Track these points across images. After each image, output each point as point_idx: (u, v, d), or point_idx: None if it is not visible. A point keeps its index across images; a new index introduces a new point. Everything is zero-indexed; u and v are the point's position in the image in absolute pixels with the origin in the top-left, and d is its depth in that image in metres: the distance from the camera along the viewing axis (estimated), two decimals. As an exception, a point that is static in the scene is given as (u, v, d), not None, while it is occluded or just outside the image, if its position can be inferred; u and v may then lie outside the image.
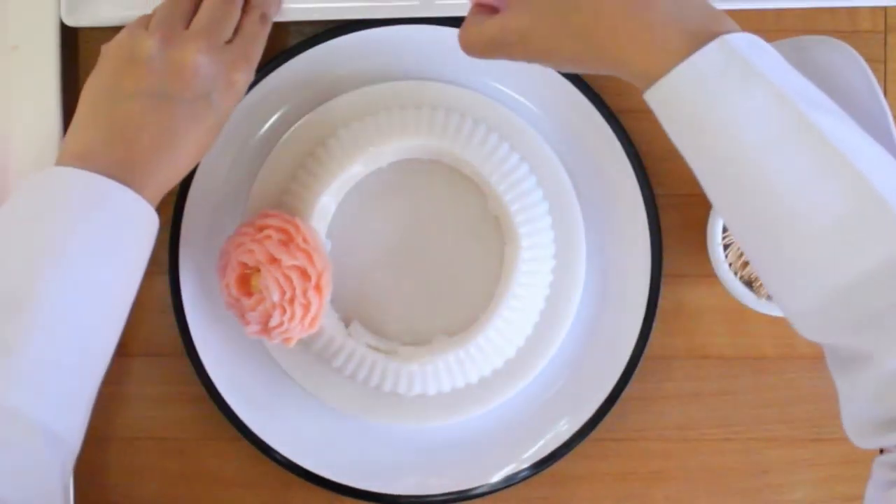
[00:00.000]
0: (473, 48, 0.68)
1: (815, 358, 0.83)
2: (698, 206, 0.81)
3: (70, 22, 0.78)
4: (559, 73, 0.80)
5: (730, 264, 0.78)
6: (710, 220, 0.77)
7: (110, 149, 0.69)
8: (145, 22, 0.73)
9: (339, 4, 0.79)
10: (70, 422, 0.67)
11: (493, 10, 0.67)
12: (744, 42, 0.60)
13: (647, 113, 0.82)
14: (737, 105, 0.59)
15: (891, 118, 0.62)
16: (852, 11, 0.82)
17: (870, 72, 0.63)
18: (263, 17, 0.76)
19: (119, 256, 0.68)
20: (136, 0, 0.78)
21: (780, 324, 0.82)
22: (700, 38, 0.60)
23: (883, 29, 0.82)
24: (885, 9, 0.82)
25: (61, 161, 0.69)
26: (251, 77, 0.74)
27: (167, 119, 0.70)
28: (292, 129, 0.80)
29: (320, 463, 0.82)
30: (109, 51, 0.73)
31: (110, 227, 0.68)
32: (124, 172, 0.68)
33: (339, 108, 0.80)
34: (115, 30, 0.78)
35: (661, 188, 0.82)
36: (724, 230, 0.78)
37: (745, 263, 0.79)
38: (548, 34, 0.63)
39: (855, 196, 0.57)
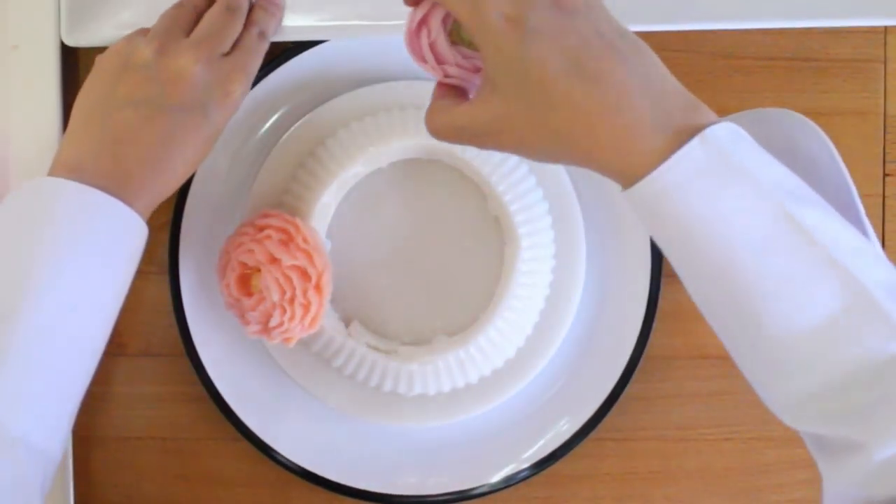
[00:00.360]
0: (440, 134, 0.65)
1: (815, 358, 0.83)
2: (698, 206, 0.81)
3: (70, 42, 0.77)
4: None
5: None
6: (710, 220, 0.77)
7: (102, 159, 0.68)
8: (144, 32, 0.73)
9: (339, 23, 0.78)
10: (51, 434, 0.66)
11: (460, 91, 0.66)
12: (724, 135, 0.58)
13: (647, 113, 0.82)
14: (722, 205, 0.57)
15: (855, 191, 0.63)
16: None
17: (831, 144, 0.63)
18: (262, 34, 0.74)
19: (107, 269, 0.67)
20: (136, 20, 0.78)
21: (780, 324, 0.82)
22: (681, 133, 0.58)
23: (883, 29, 0.82)
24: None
25: (53, 171, 0.68)
26: (247, 90, 0.73)
27: (161, 129, 0.69)
28: (292, 129, 0.80)
29: (320, 463, 0.82)
30: (105, 59, 0.72)
31: (98, 241, 0.67)
32: (116, 183, 0.67)
33: (338, 108, 0.80)
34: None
35: (661, 188, 0.82)
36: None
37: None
38: (521, 130, 0.61)
39: (845, 295, 0.57)
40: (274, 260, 0.74)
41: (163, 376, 0.83)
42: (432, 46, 0.65)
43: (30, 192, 0.67)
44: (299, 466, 0.81)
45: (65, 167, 0.68)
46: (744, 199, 0.57)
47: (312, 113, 0.80)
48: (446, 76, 0.65)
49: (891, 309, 0.57)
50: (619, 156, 0.59)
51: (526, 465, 0.81)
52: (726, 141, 0.58)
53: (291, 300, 0.74)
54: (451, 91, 0.65)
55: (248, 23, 0.74)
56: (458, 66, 0.65)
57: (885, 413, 0.56)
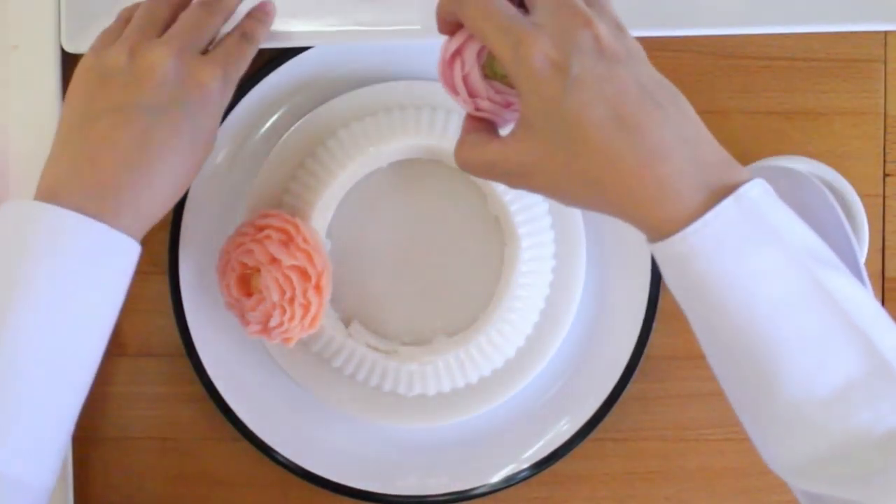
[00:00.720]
0: (471, 169, 0.64)
1: (815, 358, 0.83)
2: (698, 206, 0.81)
3: (71, 48, 0.77)
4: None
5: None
6: (710, 220, 0.77)
7: (82, 175, 0.65)
8: (111, 37, 0.70)
9: (339, 28, 0.78)
10: (36, 465, 0.63)
11: (490, 125, 0.65)
12: (758, 194, 0.58)
13: (647, 113, 0.82)
14: (751, 266, 0.58)
15: (858, 252, 0.63)
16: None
17: (837, 205, 0.63)
18: (245, 36, 0.71)
19: (92, 291, 0.64)
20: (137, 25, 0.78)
21: (780, 324, 0.82)
22: (715, 191, 0.58)
23: (882, 30, 0.82)
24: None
25: (36, 194, 0.65)
26: (226, 87, 0.69)
27: (137, 130, 0.65)
28: (292, 129, 0.80)
29: (320, 463, 0.82)
30: (79, 74, 0.69)
31: (77, 266, 0.63)
32: (96, 201, 0.64)
33: (338, 108, 0.80)
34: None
35: (661, 188, 0.82)
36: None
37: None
38: (555, 174, 0.60)
39: (865, 361, 0.57)
40: (274, 260, 0.74)
41: (163, 376, 0.83)
42: (465, 79, 0.64)
43: (5, 218, 0.65)
44: (299, 466, 0.81)
45: (45, 189, 0.65)
46: (773, 261, 0.58)
47: (312, 113, 0.80)
48: (477, 109, 0.64)
49: None
50: (653, 210, 0.58)
51: (526, 465, 0.81)
52: (760, 201, 0.58)
53: (291, 300, 0.74)
54: (481, 124, 0.64)
55: (235, 27, 0.72)
56: (490, 100, 0.64)
57: (892, 479, 0.57)
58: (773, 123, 0.82)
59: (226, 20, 0.72)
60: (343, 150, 0.78)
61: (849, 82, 0.82)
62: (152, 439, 0.83)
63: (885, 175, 0.83)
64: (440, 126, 0.78)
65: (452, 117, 0.79)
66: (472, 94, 0.64)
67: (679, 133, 0.59)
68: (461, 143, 0.64)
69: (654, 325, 0.81)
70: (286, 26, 0.79)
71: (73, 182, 0.65)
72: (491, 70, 0.64)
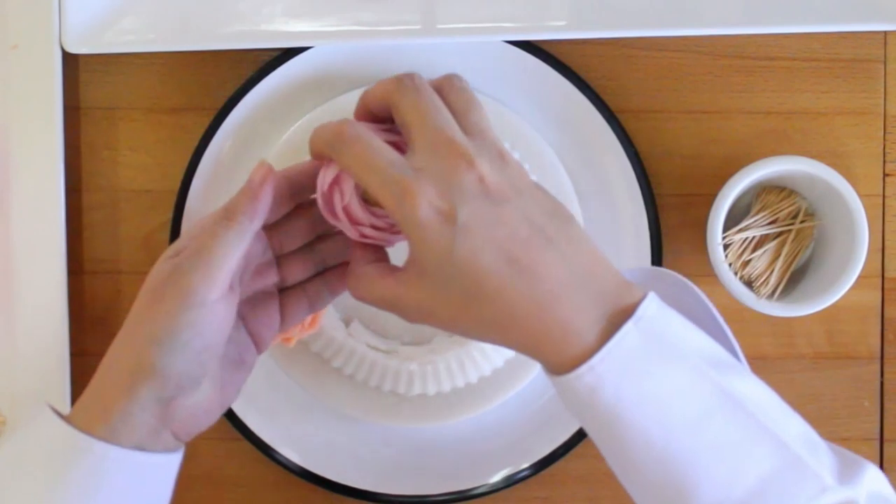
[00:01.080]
0: (368, 303, 0.62)
1: (815, 358, 0.83)
2: (698, 206, 0.81)
3: (72, 49, 0.78)
4: (557, 71, 0.80)
5: (730, 264, 0.78)
6: (710, 220, 0.77)
7: (91, 384, 0.62)
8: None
9: (339, 28, 0.79)
10: None
11: (380, 251, 0.63)
12: (654, 312, 0.58)
13: (648, 113, 0.82)
14: (658, 388, 0.58)
15: (734, 341, 0.64)
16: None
17: (705, 298, 0.64)
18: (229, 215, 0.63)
19: None
20: (137, 27, 0.78)
21: (780, 324, 0.82)
22: (613, 317, 0.58)
23: (882, 30, 0.82)
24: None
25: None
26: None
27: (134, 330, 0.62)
28: (292, 128, 0.80)
29: (320, 463, 0.82)
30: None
31: (84, 490, 0.59)
32: (87, 408, 0.61)
33: (338, 108, 0.80)
34: (116, 56, 0.80)
35: (661, 188, 0.82)
36: (724, 230, 0.78)
37: (745, 263, 0.79)
38: (452, 315, 0.59)
39: (775, 457, 0.58)
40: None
41: (163, 376, 0.82)
42: (346, 209, 0.62)
43: (26, 430, 0.62)
44: (299, 466, 0.81)
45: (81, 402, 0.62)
46: (679, 379, 0.58)
47: (312, 113, 0.80)
48: (362, 237, 0.63)
49: (815, 464, 0.59)
50: (555, 348, 0.58)
51: (526, 465, 0.81)
52: (656, 318, 0.58)
53: (291, 300, 0.74)
54: (370, 253, 0.63)
55: None
56: (373, 226, 0.62)
57: None
58: (773, 123, 0.82)
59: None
60: (343, 150, 0.78)
61: (849, 82, 0.82)
62: (152, 439, 0.83)
63: (885, 175, 0.83)
64: (440, 126, 0.78)
65: (452, 117, 0.79)
66: (354, 223, 0.62)
67: (572, 268, 0.58)
68: (354, 277, 0.62)
69: (654, 325, 0.81)
70: (286, 26, 0.79)
71: (92, 391, 0.62)
72: (368, 196, 0.63)
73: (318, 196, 0.63)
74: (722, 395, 0.58)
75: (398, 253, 0.63)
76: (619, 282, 0.59)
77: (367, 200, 0.63)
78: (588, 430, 0.61)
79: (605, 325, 0.58)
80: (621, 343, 0.57)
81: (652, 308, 0.58)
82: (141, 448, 0.60)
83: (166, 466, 0.62)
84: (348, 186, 0.62)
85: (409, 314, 0.61)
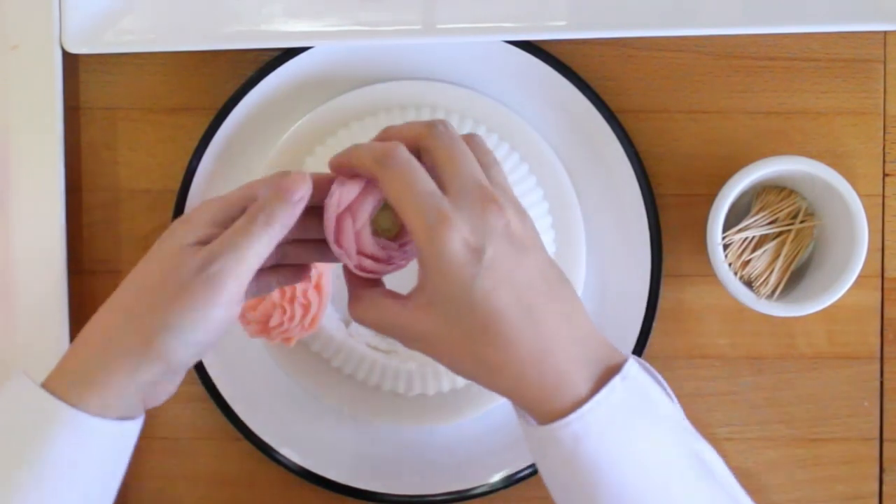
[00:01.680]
0: (369, 326, 0.64)
1: (814, 358, 0.83)
2: (698, 206, 0.81)
3: (72, 49, 0.78)
4: (557, 71, 0.80)
5: (730, 264, 0.78)
6: (710, 220, 0.77)
7: (70, 349, 0.64)
8: None
9: (339, 28, 0.79)
10: None
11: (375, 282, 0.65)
12: (636, 371, 0.62)
13: (647, 113, 0.82)
14: (640, 441, 0.61)
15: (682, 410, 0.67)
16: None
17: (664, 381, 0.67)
18: (257, 219, 0.62)
19: (71, 481, 0.62)
20: (137, 26, 0.78)
21: (779, 324, 0.82)
22: (600, 375, 0.61)
23: (882, 30, 0.82)
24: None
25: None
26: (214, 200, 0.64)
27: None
28: (292, 128, 0.80)
29: (320, 463, 0.82)
30: None
31: (55, 454, 0.61)
32: (61, 375, 0.62)
33: (339, 108, 0.80)
34: (116, 56, 0.81)
35: (661, 188, 0.82)
36: (724, 230, 0.78)
37: (745, 263, 0.79)
38: (452, 351, 0.61)
39: None
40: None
41: (163, 376, 0.83)
42: (357, 236, 0.63)
43: (4, 391, 0.64)
44: (299, 466, 0.81)
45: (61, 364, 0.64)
46: (658, 436, 0.62)
47: (312, 113, 0.80)
48: (360, 269, 0.63)
49: None
50: (544, 394, 0.61)
51: (525, 465, 0.81)
52: (639, 378, 0.62)
53: (291, 300, 0.74)
54: (365, 279, 0.64)
55: None
56: (373, 257, 0.63)
57: None
58: (773, 123, 0.82)
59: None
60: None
61: (848, 82, 0.82)
62: (152, 439, 0.83)
63: (885, 175, 0.83)
64: (440, 126, 0.78)
65: (452, 117, 0.79)
66: (359, 252, 0.63)
67: (572, 327, 0.62)
68: (355, 299, 0.64)
69: (654, 324, 0.81)
70: (286, 26, 0.79)
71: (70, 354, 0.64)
72: (377, 225, 0.64)
73: (327, 221, 0.63)
74: (695, 458, 0.62)
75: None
76: (607, 344, 0.63)
77: (375, 232, 0.64)
78: (558, 485, 0.63)
79: (595, 380, 0.61)
80: (609, 396, 0.60)
81: (635, 369, 0.62)
82: (122, 418, 0.62)
83: (136, 431, 0.64)
84: (363, 214, 0.63)
85: (409, 341, 0.63)
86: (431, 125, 0.63)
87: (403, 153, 0.61)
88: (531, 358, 0.60)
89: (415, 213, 0.60)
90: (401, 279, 0.65)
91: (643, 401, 0.62)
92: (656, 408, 0.62)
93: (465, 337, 0.60)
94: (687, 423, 0.64)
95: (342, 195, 0.62)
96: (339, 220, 0.63)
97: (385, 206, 0.65)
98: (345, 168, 0.63)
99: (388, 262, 0.64)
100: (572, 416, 0.60)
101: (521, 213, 0.63)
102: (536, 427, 0.62)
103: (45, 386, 0.62)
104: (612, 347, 0.63)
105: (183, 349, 0.61)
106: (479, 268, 0.59)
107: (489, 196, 0.61)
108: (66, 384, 0.62)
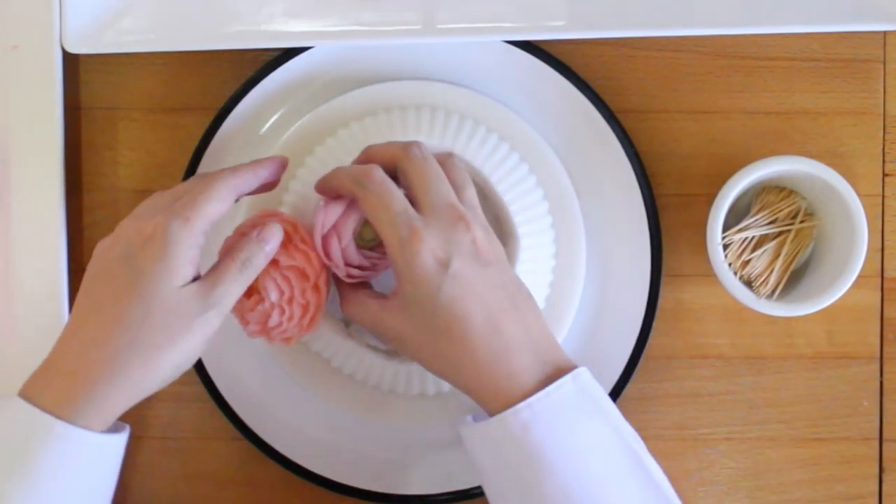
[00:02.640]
0: (358, 323, 0.72)
1: (814, 358, 0.83)
2: (698, 206, 0.81)
3: (73, 49, 0.78)
4: (557, 71, 0.80)
5: (729, 264, 0.78)
6: (710, 220, 0.77)
7: (50, 361, 0.67)
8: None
9: (339, 28, 0.79)
10: None
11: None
12: (588, 376, 0.68)
13: (648, 113, 0.82)
14: (584, 436, 0.66)
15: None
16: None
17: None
18: (208, 174, 0.71)
19: (63, 494, 0.65)
20: (137, 26, 0.78)
21: (779, 323, 0.82)
22: (553, 376, 0.67)
23: (882, 30, 0.82)
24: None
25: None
26: (182, 227, 0.67)
27: (88, 301, 0.67)
28: (292, 129, 0.80)
29: (320, 463, 0.82)
30: None
31: (35, 465, 0.64)
32: (58, 392, 0.65)
33: (339, 108, 0.80)
34: (117, 56, 0.80)
35: (661, 188, 0.82)
36: (724, 230, 0.78)
37: (745, 263, 0.79)
38: (419, 348, 0.69)
39: None
40: (273, 260, 0.74)
41: (163, 376, 0.83)
42: (344, 252, 0.72)
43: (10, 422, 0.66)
44: (299, 466, 0.81)
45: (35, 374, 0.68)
46: (602, 434, 0.67)
47: (312, 113, 0.80)
48: (349, 277, 0.72)
49: None
50: (500, 392, 0.67)
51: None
52: (589, 381, 0.68)
53: (290, 300, 0.73)
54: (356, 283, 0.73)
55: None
56: (360, 267, 0.72)
57: None
58: (773, 123, 0.82)
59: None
60: (344, 149, 0.78)
61: (848, 82, 0.82)
62: (152, 439, 0.83)
63: (885, 175, 0.83)
64: (440, 126, 0.78)
65: (453, 117, 0.79)
66: (347, 264, 0.72)
67: (528, 334, 0.68)
68: (345, 300, 0.73)
69: (654, 324, 0.81)
70: (286, 26, 0.79)
71: (42, 374, 0.67)
72: (360, 239, 0.73)
73: (315, 237, 0.71)
74: (635, 459, 0.67)
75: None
76: (561, 352, 0.70)
77: (359, 245, 0.73)
78: (500, 477, 0.68)
79: (545, 379, 0.67)
80: (559, 390, 0.67)
81: (588, 375, 0.68)
82: (113, 431, 0.68)
83: (125, 442, 0.69)
84: (347, 232, 0.71)
85: (386, 337, 0.71)
86: (406, 147, 0.71)
87: (379, 174, 0.69)
88: (488, 357, 0.67)
89: (389, 229, 0.68)
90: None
91: (591, 402, 0.68)
92: (603, 411, 0.68)
93: (431, 337, 0.68)
94: (630, 430, 0.69)
95: (326, 216, 0.71)
96: (326, 239, 0.71)
97: (367, 221, 0.73)
98: (329, 190, 0.71)
99: (373, 269, 0.73)
100: (522, 405, 0.66)
101: (488, 230, 0.70)
102: (487, 420, 0.67)
103: (31, 393, 0.65)
104: (566, 356, 0.70)
105: (178, 375, 0.69)
106: (444, 277, 0.67)
107: (458, 214, 0.68)
108: (56, 396, 0.65)
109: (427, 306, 0.67)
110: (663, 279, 0.81)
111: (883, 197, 0.82)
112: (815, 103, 0.82)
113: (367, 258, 0.73)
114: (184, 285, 0.67)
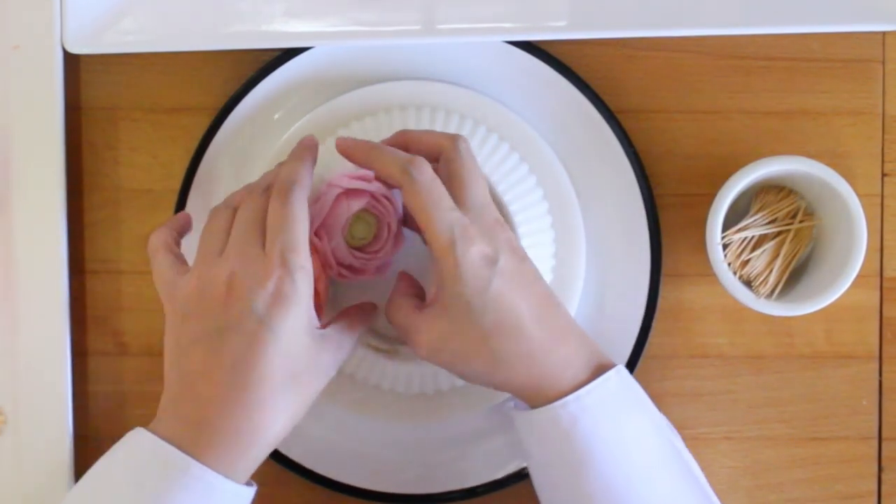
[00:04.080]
0: (393, 325, 0.72)
1: (814, 357, 0.83)
2: (698, 206, 0.81)
3: (73, 49, 0.78)
4: (557, 71, 0.80)
5: (729, 264, 0.78)
6: (710, 219, 0.77)
7: (179, 406, 0.66)
8: (179, 261, 0.71)
9: (340, 29, 0.79)
10: None
11: (419, 289, 0.73)
12: (626, 372, 0.70)
13: (648, 113, 0.82)
14: (628, 428, 0.68)
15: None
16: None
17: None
18: (281, 193, 0.68)
19: None
20: (138, 26, 0.78)
21: (779, 323, 0.82)
22: (596, 368, 0.69)
23: (882, 30, 0.82)
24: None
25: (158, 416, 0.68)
26: (304, 278, 0.66)
27: (222, 355, 0.65)
28: (292, 128, 0.80)
29: (320, 461, 0.82)
30: (168, 304, 0.69)
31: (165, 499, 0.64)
32: (193, 433, 0.65)
33: (339, 108, 0.80)
34: (117, 56, 0.80)
35: (660, 188, 0.82)
36: (724, 230, 0.78)
37: (745, 263, 0.79)
38: (466, 350, 0.68)
39: None
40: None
41: (163, 376, 0.82)
42: (334, 250, 0.72)
43: (123, 441, 0.68)
44: (299, 465, 0.81)
45: (158, 415, 0.68)
46: (643, 427, 0.69)
47: (312, 113, 0.80)
48: (339, 277, 0.72)
49: None
50: (552, 381, 0.68)
51: (526, 464, 0.82)
52: (630, 378, 0.70)
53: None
54: (412, 288, 0.73)
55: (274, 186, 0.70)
56: (350, 267, 0.73)
57: None
58: (772, 123, 0.82)
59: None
60: (344, 149, 0.78)
61: (847, 83, 0.82)
62: (153, 439, 0.83)
63: (884, 175, 0.83)
64: (440, 126, 0.78)
65: (453, 117, 0.79)
66: (338, 263, 0.72)
67: (572, 325, 0.70)
68: (389, 303, 0.72)
69: (654, 324, 0.81)
70: (286, 26, 0.79)
71: (173, 411, 0.67)
72: (350, 237, 0.73)
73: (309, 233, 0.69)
74: (675, 452, 0.69)
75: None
76: (595, 344, 0.71)
77: (348, 243, 0.73)
78: (545, 466, 0.70)
79: (590, 372, 0.69)
80: (605, 384, 0.68)
81: (625, 371, 0.70)
82: (245, 483, 0.67)
83: (251, 497, 0.68)
84: (337, 230, 0.72)
85: (421, 347, 0.69)
86: (456, 140, 0.71)
87: (430, 170, 0.68)
88: (542, 348, 0.68)
89: (438, 226, 0.67)
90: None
91: (633, 395, 0.70)
92: (643, 404, 0.70)
93: (478, 336, 0.67)
94: (671, 426, 0.71)
95: (314, 213, 0.71)
96: (316, 236, 0.71)
97: (359, 218, 0.73)
98: (358, 158, 0.71)
99: (362, 272, 0.73)
100: (571, 397, 0.67)
101: (512, 229, 0.73)
102: (536, 410, 0.68)
103: (165, 432, 0.65)
104: (602, 349, 0.71)
105: None
106: (493, 274, 0.67)
107: (495, 216, 0.69)
108: (195, 438, 0.65)
109: (476, 304, 0.67)
110: (663, 279, 0.81)
111: (882, 197, 0.83)
112: (815, 103, 0.82)
113: (356, 258, 0.73)
114: (315, 327, 0.68)
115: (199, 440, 0.64)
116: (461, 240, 0.67)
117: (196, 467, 0.63)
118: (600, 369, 0.69)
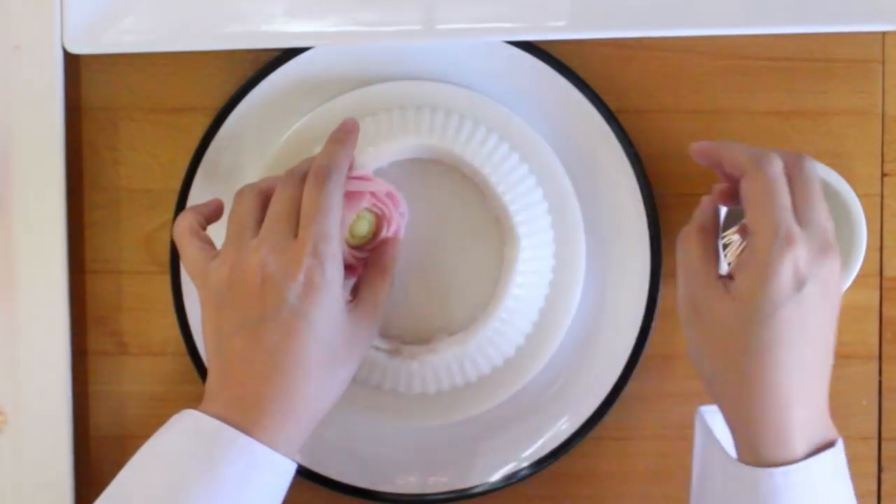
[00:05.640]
0: (685, 287, 0.70)
1: (814, 357, 0.83)
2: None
3: (73, 49, 0.78)
4: (557, 71, 0.80)
5: (729, 264, 0.78)
6: (710, 219, 0.77)
7: (223, 390, 0.68)
8: (207, 243, 0.72)
9: (340, 29, 0.79)
10: None
11: (716, 258, 0.70)
12: (842, 454, 0.66)
13: (647, 113, 0.82)
14: None
15: None
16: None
17: None
18: (318, 178, 0.70)
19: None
20: (138, 26, 0.78)
21: (779, 323, 0.82)
22: (818, 444, 0.65)
23: (882, 30, 0.82)
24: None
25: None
26: (329, 256, 0.68)
27: (261, 343, 0.67)
28: (292, 128, 0.80)
29: (320, 462, 0.82)
30: (201, 290, 0.70)
31: (219, 473, 0.65)
32: (239, 412, 0.67)
33: (339, 108, 0.80)
34: (117, 56, 0.80)
35: (660, 188, 0.82)
36: (724, 230, 0.78)
37: (745, 263, 0.79)
38: (726, 342, 0.66)
39: None
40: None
41: (164, 375, 0.83)
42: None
43: (173, 420, 0.69)
44: (299, 466, 0.81)
45: (205, 394, 0.69)
46: None
47: (312, 113, 0.80)
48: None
49: None
50: (765, 436, 0.65)
51: (526, 464, 0.82)
52: (844, 461, 0.66)
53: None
54: (709, 254, 0.70)
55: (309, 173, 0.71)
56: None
57: None
58: (772, 123, 0.82)
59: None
60: (344, 149, 0.78)
61: (847, 83, 0.82)
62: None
63: (884, 175, 0.83)
64: (440, 126, 0.78)
65: (453, 117, 0.79)
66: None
67: (822, 387, 0.67)
68: (682, 234, 0.71)
69: (654, 323, 0.81)
70: (286, 26, 0.79)
71: (220, 390, 0.68)
72: (350, 235, 0.73)
73: None
74: None
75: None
76: (828, 417, 0.68)
77: (347, 242, 0.72)
78: (723, 501, 0.68)
79: (811, 446, 0.65)
80: (819, 465, 0.65)
81: (842, 450, 0.66)
82: (289, 455, 0.68)
83: (293, 471, 0.69)
84: (343, 226, 0.70)
85: (692, 309, 0.69)
86: (803, 159, 0.68)
87: (781, 167, 0.67)
88: (782, 398, 0.65)
89: (768, 218, 0.65)
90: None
91: (840, 482, 0.66)
92: (848, 492, 0.67)
93: (745, 339, 0.65)
94: None
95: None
96: None
97: (360, 216, 0.73)
98: (712, 155, 0.71)
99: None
100: (779, 470, 0.64)
101: (840, 270, 0.67)
102: (738, 464, 0.66)
103: (213, 412, 0.67)
104: (830, 422, 0.67)
105: None
106: (793, 295, 0.64)
107: (830, 242, 0.66)
108: (241, 416, 0.66)
109: (758, 314, 0.64)
110: (663, 279, 0.81)
111: (882, 197, 0.83)
112: (815, 103, 0.82)
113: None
114: (346, 302, 0.69)
115: (245, 418, 0.66)
116: (783, 240, 0.64)
117: (243, 439, 0.65)
118: (821, 446, 0.65)
